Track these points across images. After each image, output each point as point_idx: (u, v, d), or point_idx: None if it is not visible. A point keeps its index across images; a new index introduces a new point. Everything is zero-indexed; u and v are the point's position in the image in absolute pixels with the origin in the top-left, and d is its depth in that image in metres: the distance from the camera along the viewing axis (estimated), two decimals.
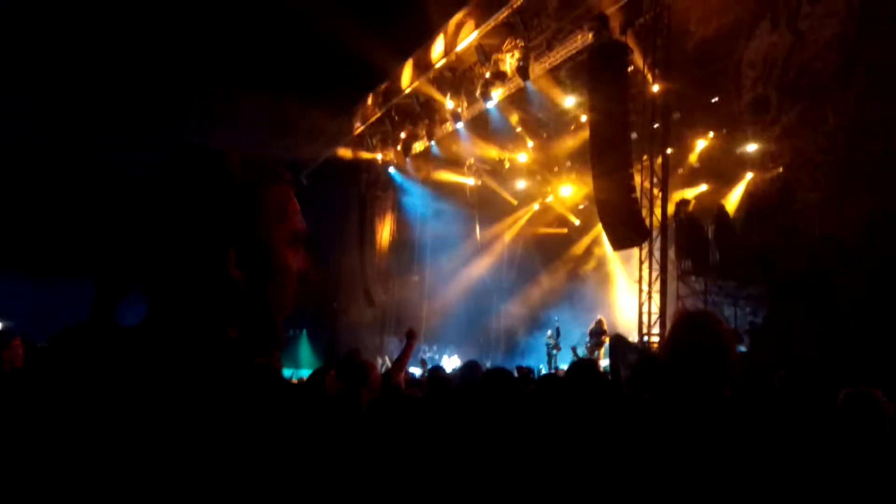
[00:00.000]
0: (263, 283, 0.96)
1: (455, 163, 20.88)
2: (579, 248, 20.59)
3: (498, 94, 16.40)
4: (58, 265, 18.89)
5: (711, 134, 15.56)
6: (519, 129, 18.99)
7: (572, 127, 17.96)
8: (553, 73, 15.84)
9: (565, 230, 21.51)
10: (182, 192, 0.92)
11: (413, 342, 5.91)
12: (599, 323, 14.74)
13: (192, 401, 0.81)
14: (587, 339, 14.88)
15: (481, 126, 18.71)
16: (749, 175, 14.29)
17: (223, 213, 0.92)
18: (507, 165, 20.69)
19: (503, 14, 14.85)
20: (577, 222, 20.91)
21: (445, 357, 20.40)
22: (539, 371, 12.97)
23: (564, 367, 14.84)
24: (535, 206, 21.74)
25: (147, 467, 0.76)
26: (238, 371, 0.89)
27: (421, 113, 19.28)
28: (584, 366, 4.39)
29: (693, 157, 16.02)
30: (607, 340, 13.88)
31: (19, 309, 18.14)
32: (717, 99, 14.91)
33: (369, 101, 21.29)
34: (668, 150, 13.22)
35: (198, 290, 0.91)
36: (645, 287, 12.64)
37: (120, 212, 0.94)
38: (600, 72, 13.05)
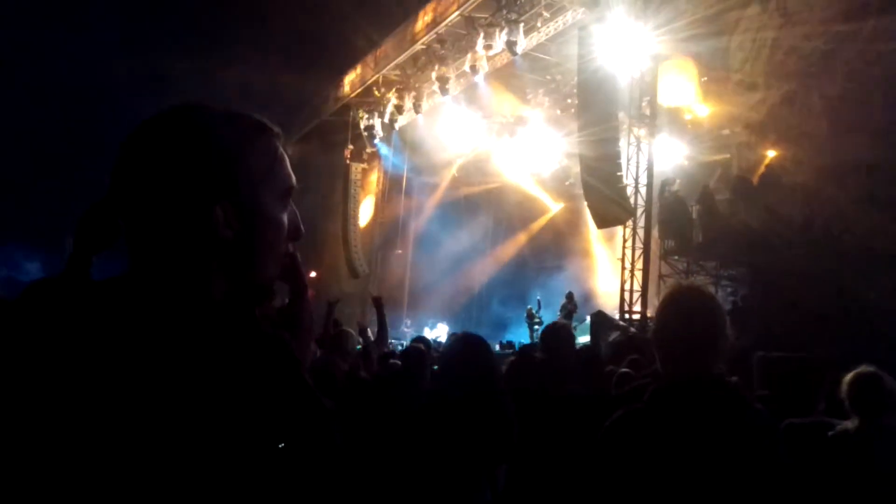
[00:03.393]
0: (252, 241, 0.93)
1: (442, 135, 20.74)
2: (564, 224, 20.65)
3: (486, 67, 16.27)
4: None
5: (699, 113, 15.55)
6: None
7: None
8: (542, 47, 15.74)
9: (550, 206, 21.55)
10: (163, 149, 0.88)
11: (380, 310, 5.57)
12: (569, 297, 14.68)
13: (165, 358, 0.80)
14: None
15: (469, 99, 18.60)
16: (735, 156, 14.31)
17: (206, 170, 0.89)
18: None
19: None
20: (561, 205, 20.98)
21: (427, 329, 20.44)
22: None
23: None
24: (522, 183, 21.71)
25: (118, 423, 0.75)
26: (216, 331, 0.88)
27: (408, 85, 19.10)
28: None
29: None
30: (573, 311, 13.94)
31: None
32: (706, 78, 14.90)
33: (357, 71, 21.03)
34: (655, 129, 13.18)
35: (180, 249, 0.89)
36: (627, 265, 12.70)
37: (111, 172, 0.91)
38: (589, 47, 12.93)
